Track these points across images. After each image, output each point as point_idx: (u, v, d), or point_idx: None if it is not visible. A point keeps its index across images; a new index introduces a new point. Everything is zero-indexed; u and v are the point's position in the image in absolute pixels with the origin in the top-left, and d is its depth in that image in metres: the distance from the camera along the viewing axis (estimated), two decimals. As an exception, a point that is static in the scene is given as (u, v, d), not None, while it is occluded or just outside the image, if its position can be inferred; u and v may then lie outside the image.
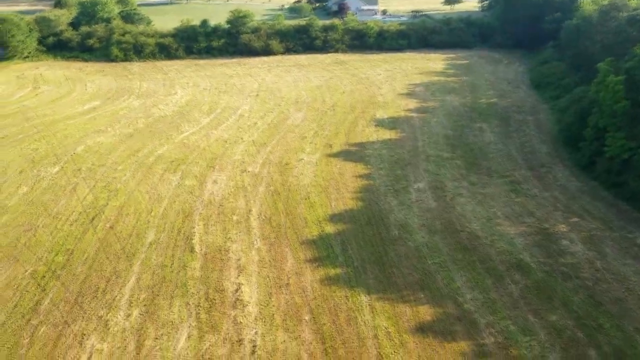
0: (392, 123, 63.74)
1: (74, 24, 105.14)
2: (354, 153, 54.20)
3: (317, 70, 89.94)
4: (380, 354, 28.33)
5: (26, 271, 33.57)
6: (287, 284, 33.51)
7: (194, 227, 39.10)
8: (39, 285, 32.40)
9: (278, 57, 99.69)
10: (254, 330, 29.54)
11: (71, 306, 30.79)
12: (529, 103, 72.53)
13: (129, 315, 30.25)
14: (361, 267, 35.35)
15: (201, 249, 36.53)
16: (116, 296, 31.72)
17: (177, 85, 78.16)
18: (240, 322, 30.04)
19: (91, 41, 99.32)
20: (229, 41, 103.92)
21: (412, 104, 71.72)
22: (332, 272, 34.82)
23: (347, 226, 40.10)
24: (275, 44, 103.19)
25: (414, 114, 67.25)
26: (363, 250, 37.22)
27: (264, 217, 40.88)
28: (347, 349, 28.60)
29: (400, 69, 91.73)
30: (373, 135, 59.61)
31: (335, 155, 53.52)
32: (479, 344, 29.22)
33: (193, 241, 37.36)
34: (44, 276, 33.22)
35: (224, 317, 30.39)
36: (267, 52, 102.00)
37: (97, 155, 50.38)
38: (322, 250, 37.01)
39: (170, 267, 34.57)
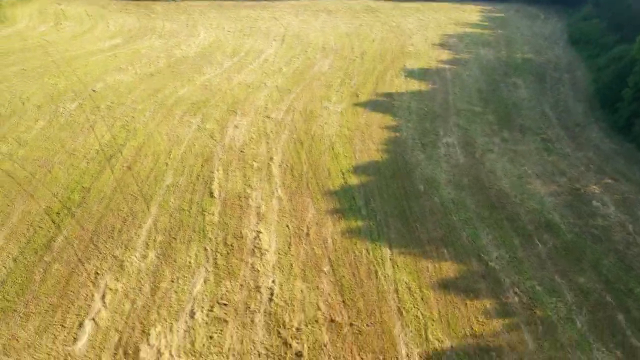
0: (422, 74, 61.34)
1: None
2: (381, 104, 52.25)
3: (346, 17, 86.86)
4: (400, 308, 27.48)
5: (40, 207, 32.78)
6: (307, 234, 32.49)
7: (213, 172, 38.00)
8: (53, 222, 31.69)
9: (306, 2, 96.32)
10: (272, 279, 28.73)
11: (86, 244, 30.12)
12: (566, 60, 69.41)
13: (145, 257, 29.57)
14: (384, 220, 34.17)
15: (220, 195, 35.50)
16: (132, 237, 30.99)
17: (201, 27, 76.04)
18: (258, 270, 29.23)
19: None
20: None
21: (445, 55, 68.94)
22: (354, 224, 33.69)
23: (371, 178, 38.73)
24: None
25: (446, 66, 64.65)
26: (386, 203, 35.97)
27: (285, 166, 39.60)
28: (366, 302, 27.76)
29: (433, 19, 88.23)
30: (402, 86, 57.40)
31: (362, 105, 51.62)
32: (503, 303, 28.27)
33: (212, 186, 36.31)
34: (59, 213, 32.45)
35: (242, 264, 29.59)
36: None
37: (116, 93, 49.15)
38: (345, 202, 35.79)
39: (188, 211, 33.68)
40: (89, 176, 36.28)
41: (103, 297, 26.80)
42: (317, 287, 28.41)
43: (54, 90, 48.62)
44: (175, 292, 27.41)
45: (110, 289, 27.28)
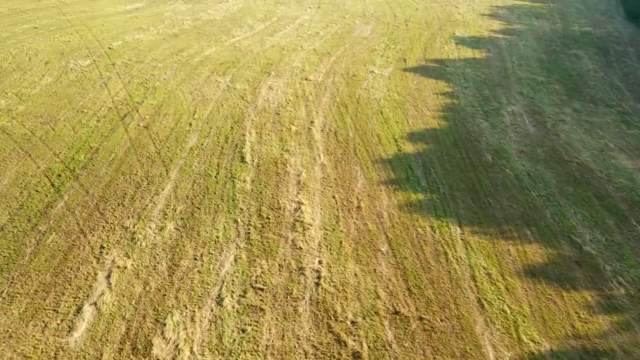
0: (474, 42, 55.01)
1: None
2: (432, 69, 46.08)
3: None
4: (480, 299, 21.60)
5: (39, 168, 27.20)
6: (358, 207, 26.66)
7: (244, 135, 32.29)
8: (52, 185, 26.06)
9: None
10: (318, 259, 22.95)
11: (90, 212, 24.49)
12: (628, 34, 62.82)
13: (161, 229, 23.98)
14: (449, 194, 28.24)
15: (253, 160, 29.78)
16: (147, 205, 25.39)
17: (229, -6, 70.39)
18: (301, 248, 23.47)
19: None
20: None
21: (496, 25, 62.53)
22: (413, 197, 27.78)
23: (429, 147, 32.77)
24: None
25: (499, 35, 58.23)
26: (450, 175, 30.02)
27: (328, 130, 33.76)
28: (437, 290, 21.91)
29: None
30: (454, 52, 51.17)
31: (411, 70, 45.49)
32: (607, 296, 22.31)
33: (243, 150, 30.59)
34: (60, 175, 26.83)
35: (280, 240, 23.85)
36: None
37: (135, 51, 43.64)
38: (400, 172, 29.89)
39: (215, 177, 28.03)
40: (98, 135, 30.66)
41: (108, 276, 21.25)
42: (374, 271, 22.64)
43: (66, 47, 43.29)
44: (199, 272, 21.80)
45: (118, 267, 21.71)
